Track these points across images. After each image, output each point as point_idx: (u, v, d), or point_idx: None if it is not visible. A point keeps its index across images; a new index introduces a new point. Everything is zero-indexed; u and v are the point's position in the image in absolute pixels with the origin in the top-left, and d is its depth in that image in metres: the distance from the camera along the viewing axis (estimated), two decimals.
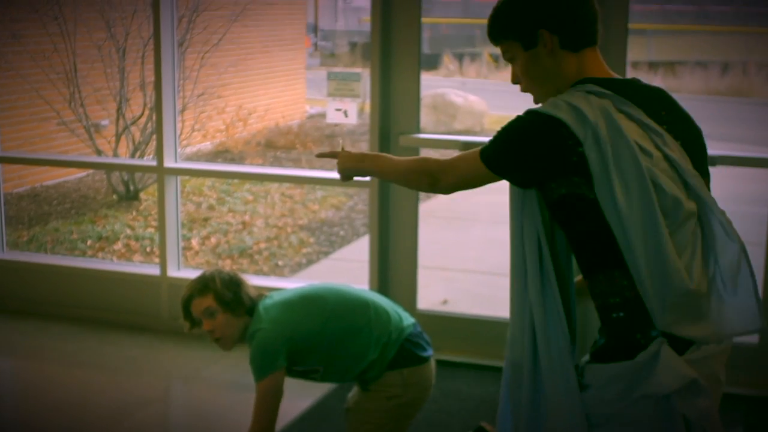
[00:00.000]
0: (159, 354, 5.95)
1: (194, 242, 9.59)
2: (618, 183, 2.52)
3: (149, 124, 11.43)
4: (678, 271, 2.51)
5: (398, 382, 3.84)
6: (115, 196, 11.40)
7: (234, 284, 3.94)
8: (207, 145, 14.47)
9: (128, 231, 9.98)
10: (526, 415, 2.79)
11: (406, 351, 3.84)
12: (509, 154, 2.65)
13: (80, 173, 12.69)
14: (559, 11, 2.68)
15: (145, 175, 11.12)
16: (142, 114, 11.64)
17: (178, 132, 6.45)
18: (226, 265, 8.91)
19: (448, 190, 2.79)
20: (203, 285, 3.93)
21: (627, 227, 2.51)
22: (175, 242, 6.37)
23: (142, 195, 11.28)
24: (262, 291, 4.06)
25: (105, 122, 12.45)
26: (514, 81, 2.82)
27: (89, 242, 9.65)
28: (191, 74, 12.47)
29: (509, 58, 2.78)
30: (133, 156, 11.40)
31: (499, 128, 2.69)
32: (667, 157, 2.60)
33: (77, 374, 5.71)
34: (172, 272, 6.31)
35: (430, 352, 3.93)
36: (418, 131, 5.76)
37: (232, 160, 13.94)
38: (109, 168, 11.00)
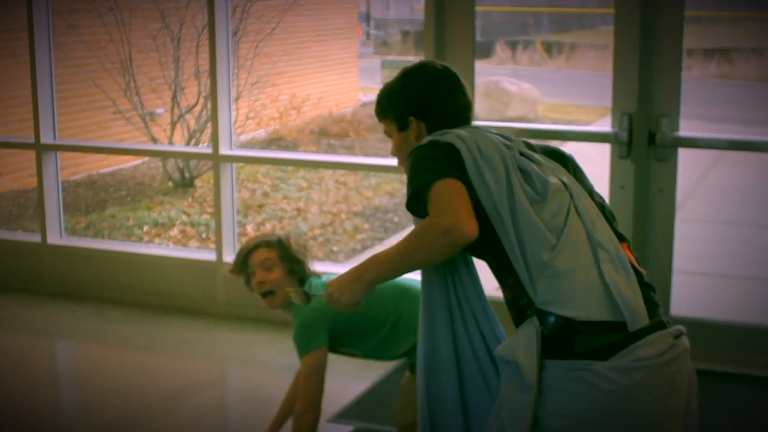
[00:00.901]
0: (215, 338, 6.00)
1: (249, 228, 9.65)
2: (488, 172, 2.78)
3: (204, 113, 11.52)
4: (540, 229, 2.69)
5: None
6: (170, 183, 11.50)
7: (302, 251, 4.01)
8: (261, 133, 14.54)
9: (184, 217, 10.06)
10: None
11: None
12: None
13: (136, 161, 12.81)
14: (426, 103, 3.08)
15: (200, 162, 11.21)
16: (197, 102, 11.72)
17: (233, 120, 6.49)
18: None
19: (467, 227, 2.68)
20: (275, 239, 4.01)
21: (496, 200, 2.73)
22: (230, 228, 6.42)
23: (197, 182, 11.37)
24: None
25: (160, 111, 12.55)
26: (392, 153, 3.19)
27: (145, 228, 9.75)
28: (245, 63, 12.53)
29: (388, 133, 3.18)
30: (188, 144, 11.49)
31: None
32: (522, 153, 2.90)
33: (135, 358, 5.78)
34: (228, 257, 6.35)
35: None
36: (473, 119, 5.74)
37: (286, 148, 14.00)
38: (165, 155, 11.08)
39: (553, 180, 2.80)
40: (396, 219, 9.95)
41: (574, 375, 2.59)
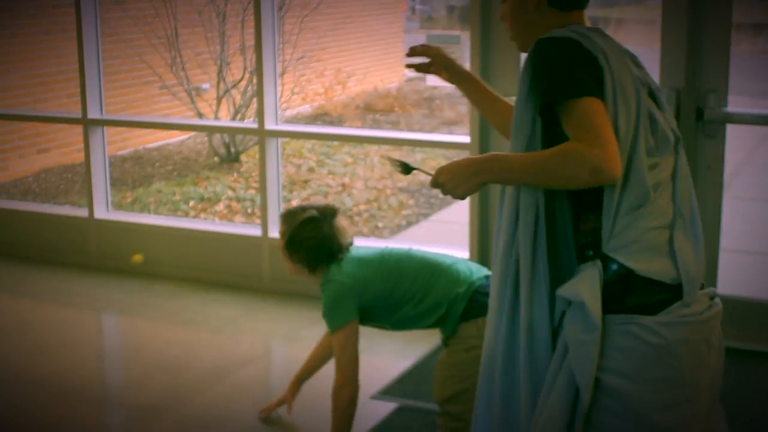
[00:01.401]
0: (260, 314, 6.02)
1: (294, 204, 9.66)
2: (622, 107, 2.56)
3: (249, 88, 11.53)
4: (645, 185, 2.58)
5: (474, 333, 3.83)
6: (216, 158, 11.54)
7: (316, 239, 4.01)
8: (306, 108, 14.56)
9: (229, 192, 10.10)
10: (499, 410, 2.81)
11: (477, 303, 3.83)
12: (583, 73, 2.57)
13: (182, 136, 12.86)
14: None
15: (246, 137, 11.23)
16: (242, 77, 11.74)
17: (278, 95, 6.49)
18: None
19: (617, 169, 2.50)
20: (281, 234, 4.08)
21: (620, 140, 2.54)
22: (276, 204, 6.44)
23: (242, 157, 11.40)
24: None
25: (206, 86, 12.59)
26: (502, 17, 2.90)
27: (191, 203, 9.79)
28: (290, 38, 12.54)
29: None
30: (233, 119, 11.51)
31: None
32: (651, 94, 2.70)
33: (180, 333, 5.81)
34: (274, 233, 6.36)
35: None
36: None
37: (331, 123, 14.00)
38: (211, 130, 11.10)
39: (671, 137, 2.66)
40: (441, 195, 9.92)
41: (622, 329, 2.59)
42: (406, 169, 3.12)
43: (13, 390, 5.06)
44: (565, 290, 2.65)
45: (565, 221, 2.70)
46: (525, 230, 2.70)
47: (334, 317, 3.93)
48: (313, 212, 4.06)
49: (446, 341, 3.96)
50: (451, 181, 2.69)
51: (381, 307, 3.96)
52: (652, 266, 2.59)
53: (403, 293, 3.91)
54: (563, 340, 2.66)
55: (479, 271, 3.98)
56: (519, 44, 2.86)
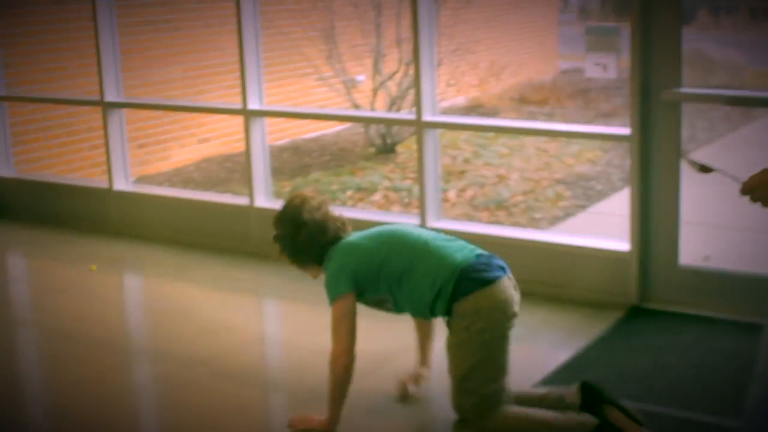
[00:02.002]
0: None
1: (451, 194, 9.68)
2: None
3: (404, 80, 11.58)
4: None
5: (469, 309, 4.08)
6: (372, 149, 11.62)
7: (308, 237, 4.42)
8: (460, 100, 14.56)
9: (386, 182, 10.16)
10: None
11: (467, 280, 4.09)
12: None
13: (337, 127, 13.00)
14: None
15: (401, 128, 11.29)
16: (398, 69, 11.80)
17: (435, 86, 6.50)
18: (483, 218, 8.96)
19: None
20: (275, 235, 4.54)
21: None
22: (434, 194, 6.45)
23: (398, 148, 11.46)
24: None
25: (361, 78, 12.69)
26: None
27: (349, 193, 9.89)
28: (445, 30, 12.55)
29: None
30: (389, 110, 11.58)
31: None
32: None
33: None
34: (432, 223, 6.38)
35: (497, 274, 4.15)
36: (680, 86, 5.61)
37: (486, 115, 13.97)
38: (368, 121, 11.18)
39: None
40: (599, 187, 9.82)
41: None
42: (705, 169, 3.17)
43: (181, 369, 5.19)
44: None
45: None
46: None
47: (331, 289, 4.27)
48: (298, 216, 4.39)
49: (448, 324, 4.23)
50: (762, 189, 2.78)
51: (374, 282, 4.26)
52: None
53: (391, 268, 4.21)
54: None
55: (468, 252, 4.23)
56: None
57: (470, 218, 8.89)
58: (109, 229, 7.73)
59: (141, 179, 10.01)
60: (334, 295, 4.25)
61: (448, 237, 4.36)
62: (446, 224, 6.38)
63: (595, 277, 5.89)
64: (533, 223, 8.83)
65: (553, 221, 8.83)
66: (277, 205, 7.07)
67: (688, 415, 4.50)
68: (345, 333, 4.27)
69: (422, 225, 6.38)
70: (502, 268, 4.23)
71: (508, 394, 4.20)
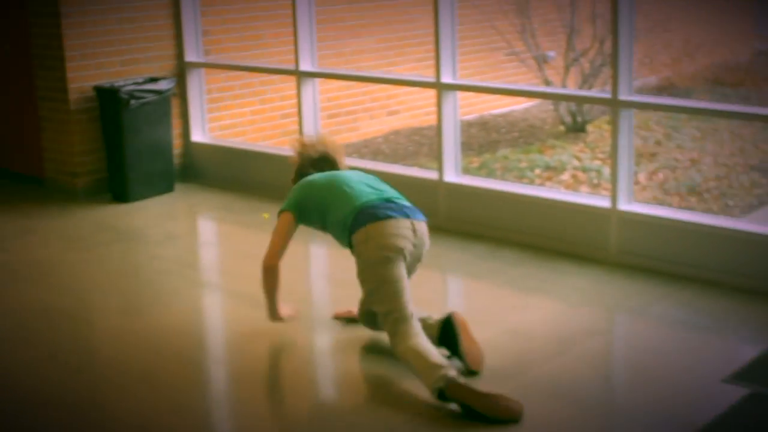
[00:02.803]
0: (606, 286, 5.93)
1: (641, 177, 9.49)
2: None
3: (598, 57, 11.39)
4: None
5: (362, 238, 4.77)
6: (562, 127, 11.48)
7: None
8: (651, 80, 14.25)
9: (575, 162, 10.02)
10: None
11: (362, 215, 4.81)
12: None
13: (526, 103, 12.89)
14: None
15: (593, 107, 11.11)
16: (591, 46, 11.61)
17: (633, 64, 6.36)
18: (674, 202, 8.76)
19: None
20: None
21: None
22: (626, 176, 6.31)
23: (588, 127, 11.29)
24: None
25: (551, 54, 12.54)
26: None
27: (537, 171, 9.79)
28: (641, 7, 12.28)
29: None
30: (581, 88, 11.41)
31: None
32: None
33: (525, 299, 5.82)
34: (623, 206, 6.26)
35: (391, 214, 4.79)
36: None
37: (677, 96, 13.63)
38: (561, 99, 11.01)
39: None
40: None
41: None
42: None
43: (367, 341, 5.23)
44: None
45: None
46: None
47: (283, 204, 5.08)
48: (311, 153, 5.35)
49: (353, 255, 4.88)
50: None
51: (314, 214, 5.02)
52: None
53: (323, 207, 4.97)
54: None
55: (376, 195, 4.92)
56: None
57: (660, 202, 8.69)
58: None
59: None
60: (280, 210, 5.08)
61: (379, 186, 5.06)
62: (637, 207, 6.25)
63: None
64: (726, 211, 8.57)
65: (747, 209, 8.56)
66: (466, 180, 7.08)
67: None
68: (274, 242, 5.07)
69: (613, 207, 6.26)
70: (407, 215, 4.85)
71: (405, 314, 4.68)
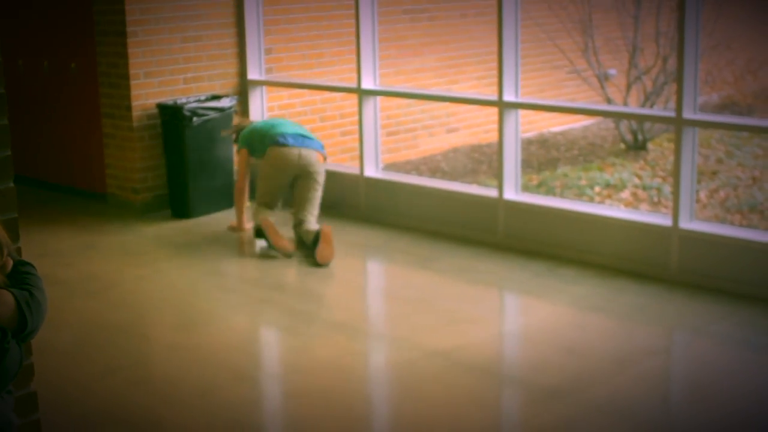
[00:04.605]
0: (667, 304, 5.89)
1: (702, 195, 9.40)
2: None
3: (661, 75, 11.32)
4: None
5: (269, 153, 7.17)
6: (622, 145, 11.41)
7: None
8: (714, 98, 14.13)
9: (635, 180, 9.96)
10: None
11: (269, 141, 7.17)
12: None
13: (585, 121, 12.83)
14: None
15: (654, 125, 11.04)
16: (654, 64, 11.54)
17: (698, 83, 6.32)
18: (735, 220, 8.68)
19: None
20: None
21: None
22: (688, 194, 6.27)
23: (650, 145, 11.21)
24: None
25: (612, 71, 12.47)
26: None
27: (597, 189, 9.74)
28: (705, 24, 12.19)
29: None
30: (643, 106, 11.34)
31: None
32: None
33: (585, 317, 5.80)
34: (684, 224, 6.22)
35: (287, 141, 7.12)
36: None
37: (739, 114, 13.50)
38: (624, 117, 10.90)
39: None
40: None
41: None
42: None
43: (420, 359, 5.23)
44: None
45: None
46: None
47: (238, 144, 7.52)
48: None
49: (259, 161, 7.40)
50: None
51: (255, 149, 7.31)
52: None
53: (259, 143, 7.28)
54: None
55: (283, 129, 7.23)
56: None
57: (721, 220, 8.61)
58: (357, 214, 7.87)
59: (389, 166, 10.12)
60: (237, 149, 7.56)
61: (296, 128, 7.33)
62: (699, 225, 6.21)
63: None
64: None
65: None
66: (525, 198, 7.06)
67: None
68: (240, 171, 7.43)
69: (674, 225, 6.22)
70: (304, 144, 7.16)
71: (267, 201, 7.21)
